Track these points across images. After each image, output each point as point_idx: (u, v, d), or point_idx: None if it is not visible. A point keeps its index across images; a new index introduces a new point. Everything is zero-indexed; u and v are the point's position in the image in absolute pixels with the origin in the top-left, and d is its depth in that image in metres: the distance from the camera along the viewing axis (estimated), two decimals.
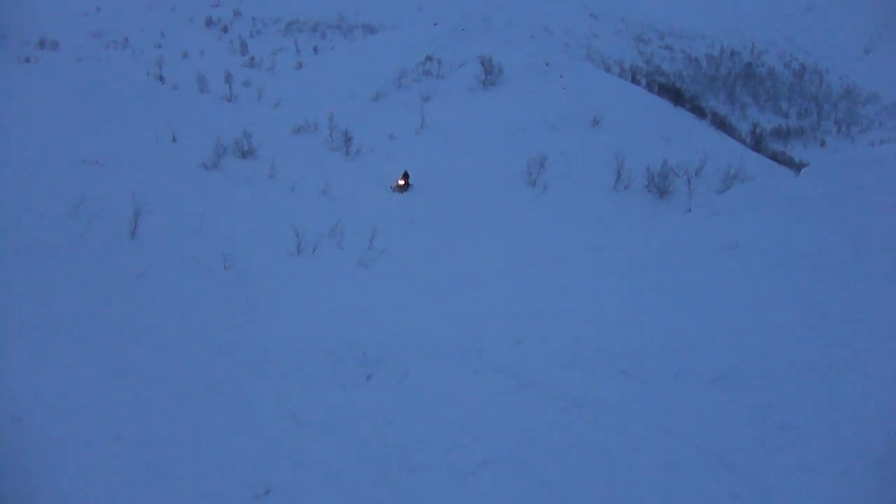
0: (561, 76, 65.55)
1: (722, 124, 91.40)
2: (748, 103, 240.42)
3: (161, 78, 74.21)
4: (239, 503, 11.08)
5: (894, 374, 11.98)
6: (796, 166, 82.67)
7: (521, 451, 11.74)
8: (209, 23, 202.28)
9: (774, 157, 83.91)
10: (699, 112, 78.21)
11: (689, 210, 33.80)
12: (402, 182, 36.92)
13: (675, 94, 79.02)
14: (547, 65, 69.04)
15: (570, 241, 31.85)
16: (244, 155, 42.38)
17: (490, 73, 64.63)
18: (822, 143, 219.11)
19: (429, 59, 75.32)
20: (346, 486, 11.40)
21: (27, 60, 70.79)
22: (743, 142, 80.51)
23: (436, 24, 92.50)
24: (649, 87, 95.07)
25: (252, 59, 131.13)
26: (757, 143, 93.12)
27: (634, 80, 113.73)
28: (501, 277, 26.19)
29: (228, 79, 73.57)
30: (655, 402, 12.69)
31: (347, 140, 49.40)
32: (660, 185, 41.53)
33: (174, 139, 41.81)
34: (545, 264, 27.36)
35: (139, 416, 13.36)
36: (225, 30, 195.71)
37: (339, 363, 16.53)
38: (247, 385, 15.22)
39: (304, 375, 15.91)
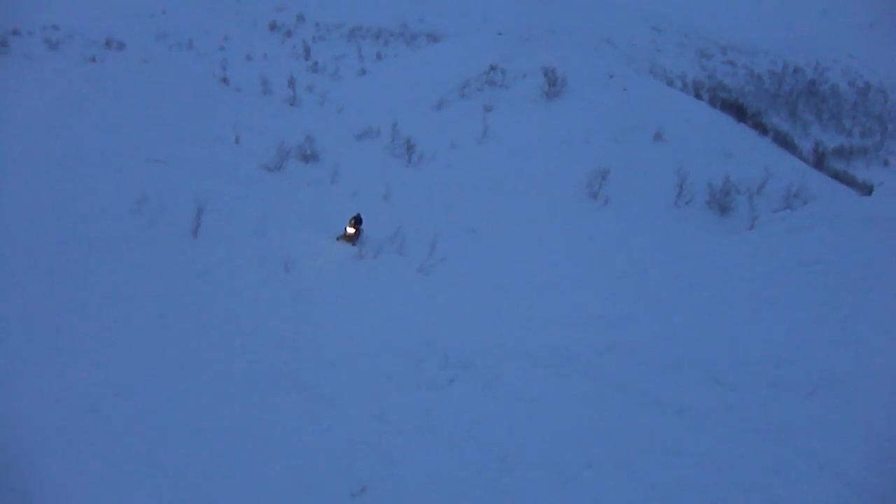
0: (624, 89, 65.13)
1: (784, 142, 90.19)
2: (811, 121, 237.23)
3: (225, 80, 74.69)
4: (336, 500, 11.00)
5: None
6: (859, 186, 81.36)
7: (624, 455, 11.55)
8: (273, 27, 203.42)
9: (836, 176, 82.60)
10: (761, 129, 77.26)
11: (752, 227, 33.35)
12: (351, 230, 30.13)
13: (737, 110, 78.13)
14: (611, 77, 68.64)
15: (640, 252, 31.48)
16: (307, 159, 42.48)
17: (553, 84, 64.20)
18: (885, 163, 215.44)
19: (492, 68, 75.01)
20: (443, 486, 11.30)
21: (94, 60, 71.50)
22: (805, 160, 79.34)
23: (500, 34, 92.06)
24: (712, 102, 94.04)
25: (315, 63, 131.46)
26: (819, 162, 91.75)
27: (697, 95, 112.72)
28: (580, 285, 25.96)
29: (292, 83, 73.87)
30: (755, 411, 12.38)
31: (409, 147, 49.37)
32: (721, 202, 41.01)
33: (237, 140, 41.99)
34: (622, 273, 27.09)
35: (218, 410, 13.38)
36: (288, 34, 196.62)
37: (420, 365, 16.48)
38: (326, 383, 15.21)
39: (385, 376, 15.87)
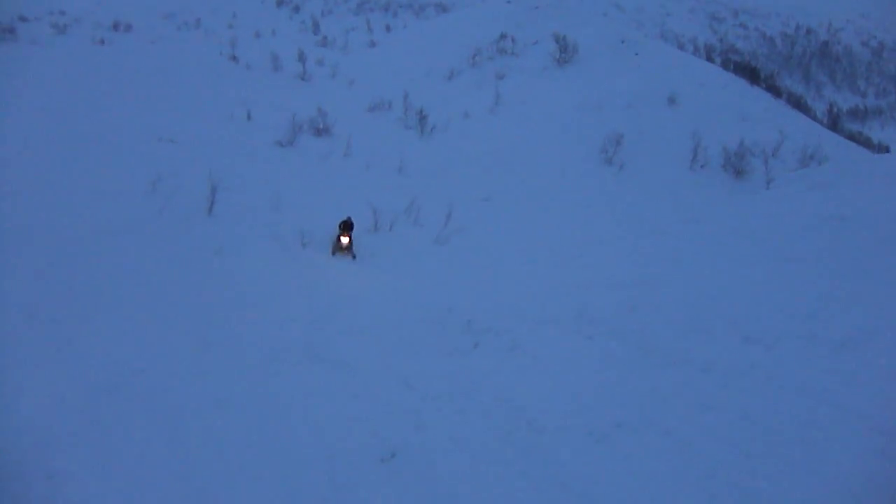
0: (636, 54, 64.73)
1: (798, 104, 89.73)
2: (824, 82, 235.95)
3: (234, 58, 74.33)
4: (366, 466, 10.99)
5: None
6: (874, 147, 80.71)
7: (655, 414, 11.44)
8: (280, 3, 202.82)
9: (852, 137, 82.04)
10: (775, 91, 76.76)
11: (769, 188, 33.09)
12: (345, 239, 26.41)
13: (750, 73, 77.58)
14: (622, 42, 68.22)
15: (657, 215, 31.30)
16: (319, 133, 42.36)
17: (565, 51, 63.89)
18: None
19: (503, 37, 74.68)
20: (473, 448, 11.26)
21: (102, 42, 71.47)
22: (819, 122, 78.88)
23: (509, 2, 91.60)
24: (724, 65, 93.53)
25: (324, 38, 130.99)
26: (833, 123, 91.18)
27: (709, 59, 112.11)
28: (599, 250, 25.77)
29: (301, 58, 73.56)
30: (785, 366, 12.20)
31: (422, 118, 49.15)
32: (736, 165, 40.75)
33: (249, 117, 41.92)
34: (642, 235, 26.86)
35: (239, 383, 13.38)
36: (296, 10, 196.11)
37: (443, 331, 16.39)
38: (348, 353, 15.18)
39: (409, 344, 15.81)
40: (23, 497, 9.78)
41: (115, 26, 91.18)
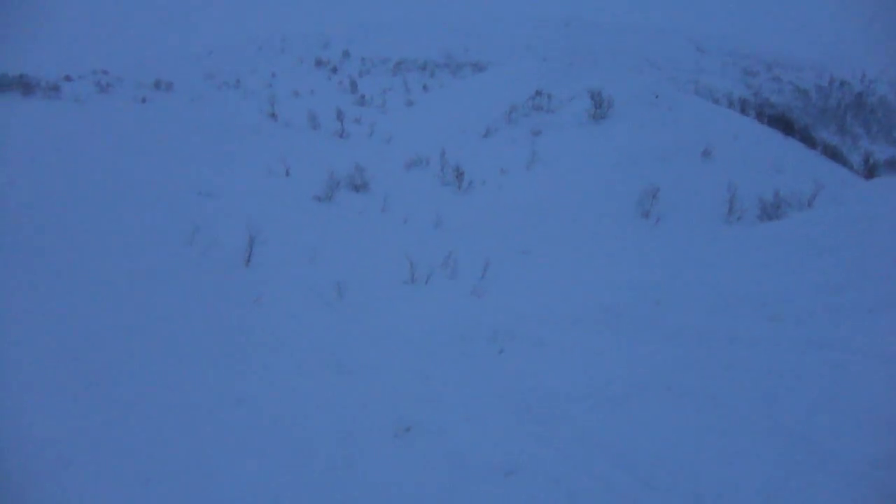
0: (670, 108, 64.94)
1: (833, 154, 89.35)
2: (860, 134, 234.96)
3: (273, 115, 75.32)
4: (379, 440, 11.09)
5: None
6: None
7: (677, 378, 11.36)
8: (319, 63, 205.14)
9: None
10: (810, 142, 76.64)
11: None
12: None
13: (785, 125, 77.57)
14: (656, 97, 68.50)
15: (693, 261, 31.29)
16: (357, 188, 42.74)
17: (600, 107, 64.24)
18: None
19: (538, 94, 75.23)
20: (487, 423, 11.26)
21: (143, 101, 72.62)
22: (856, 172, 78.53)
23: (544, 60, 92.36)
24: (759, 118, 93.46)
25: (362, 97, 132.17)
26: (870, 174, 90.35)
27: (743, 112, 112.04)
28: (635, 312, 25.73)
29: (340, 116, 74.38)
30: (813, 333, 12.09)
31: (459, 174, 49.47)
32: (773, 216, 40.60)
33: (288, 173, 42.35)
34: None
35: (266, 390, 13.54)
36: (335, 70, 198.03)
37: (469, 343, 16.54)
38: (379, 364, 15.34)
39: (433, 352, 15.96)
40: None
41: (157, 85, 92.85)
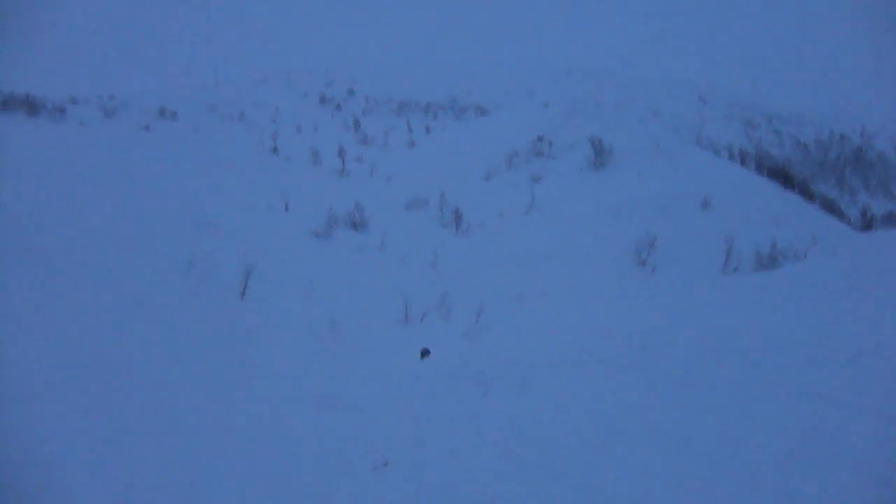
0: (671, 158, 65.20)
1: (831, 208, 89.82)
2: (858, 188, 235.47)
3: (275, 150, 75.74)
4: (357, 476, 11.22)
5: None
6: None
7: (656, 421, 11.41)
8: (323, 100, 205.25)
9: None
10: (808, 195, 77.11)
11: None
12: None
13: (784, 178, 78.11)
14: (657, 147, 68.77)
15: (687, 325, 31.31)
16: (355, 226, 42.90)
17: (600, 155, 64.48)
18: None
19: (540, 139, 75.53)
20: (466, 461, 11.33)
21: (147, 128, 73.02)
22: (853, 226, 78.88)
23: (546, 106, 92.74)
24: (758, 170, 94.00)
25: (365, 136, 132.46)
26: (867, 227, 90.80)
27: (743, 164, 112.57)
28: (624, 362, 25.75)
29: (341, 154, 74.74)
30: (793, 383, 12.16)
31: (457, 217, 49.62)
32: (768, 267, 40.72)
33: (287, 208, 42.57)
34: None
35: (254, 421, 13.60)
36: (338, 107, 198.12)
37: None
38: (366, 400, 15.40)
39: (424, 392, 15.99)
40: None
41: (162, 113, 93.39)
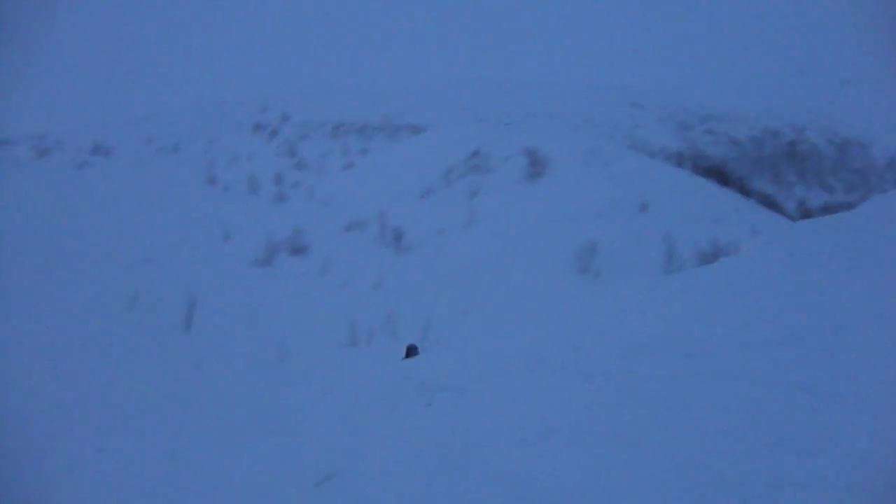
0: (606, 165, 65.87)
1: (769, 203, 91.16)
2: (794, 181, 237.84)
3: (212, 180, 75.46)
4: (299, 492, 11.35)
5: None
6: None
7: (593, 416, 11.62)
8: (258, 127, 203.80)
9: None
10: (745, 192, 78.20)
11: None
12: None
13: (720, 176, 79.23)
14: (592, 154, 69.45)
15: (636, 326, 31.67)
16: (296, 252, 42.87)
17: (536, 165, 64.91)
18: None
19: (475, 154, 75.86)
20: (407, 470, 11.50)
21: (82, 166, 72.37)
22: (791, 218, 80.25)
23: (480, 121, 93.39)
24: (695, 170, 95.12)
25: (301, 161, 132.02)
26: (805, 218, 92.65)
27: (679, 166, 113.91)
28: (571, 367, 25.99)
29: (278, 180, 74.80)
30: (723, 367, 12.41)
31: (397, 236, 49.74)
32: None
33: (227, 237, 42.46)
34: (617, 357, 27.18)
35: (198, 450, 13.64)
36: (273, 134, 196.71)
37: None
38: (312, 421, 15.53)
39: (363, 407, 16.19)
40: None
41: (95, 149, 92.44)
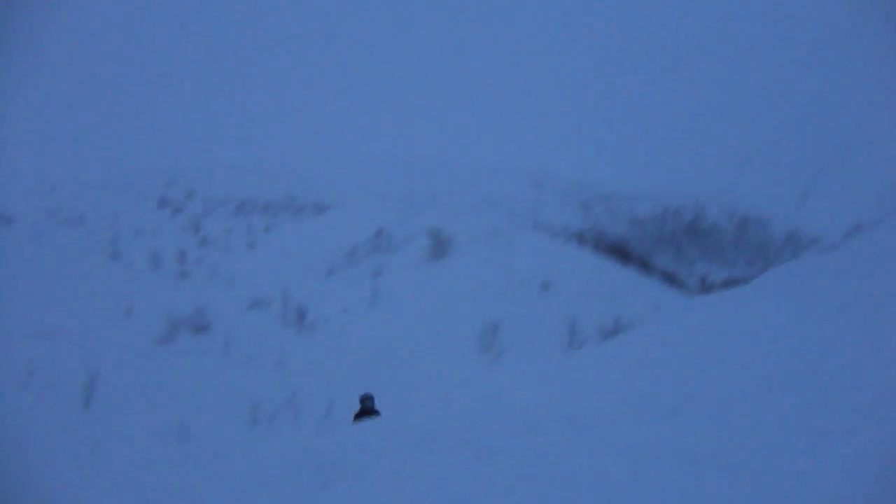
0: (508, 244, 66.74)
1: (671, 279, 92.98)
2: (696, 257, 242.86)
3: (115, 255, 74.67)
4: None
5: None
6: None
7: (479, 494, 11.83)
8: (163, 202, 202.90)
9: None
10: (647, 269, 79.72)
11: None
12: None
13: (622, 254, 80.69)
14: (495, 234, 70.35)
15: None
16: (198, 330, 42.59)
17: (439, 245, 65.58)
18: None
19: (379, 233, 76.42)
20: None
21: None
22: (693, 293, 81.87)
23: (384, 200, 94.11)
24: (597, 249, 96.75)
25: (205, 237, 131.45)
26: (706, 293, 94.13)
27: (582, 244, 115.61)
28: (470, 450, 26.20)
29: (182, 256, 74.34)
30: (613, 439, 12.65)
31: (301, 315, 49.80)
32: None
33: (128, 314, 42.00)
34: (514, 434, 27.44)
35: None
36: (178, 210, 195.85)
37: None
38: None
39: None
40: None
41: None
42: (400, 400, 33.75)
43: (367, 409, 23.12)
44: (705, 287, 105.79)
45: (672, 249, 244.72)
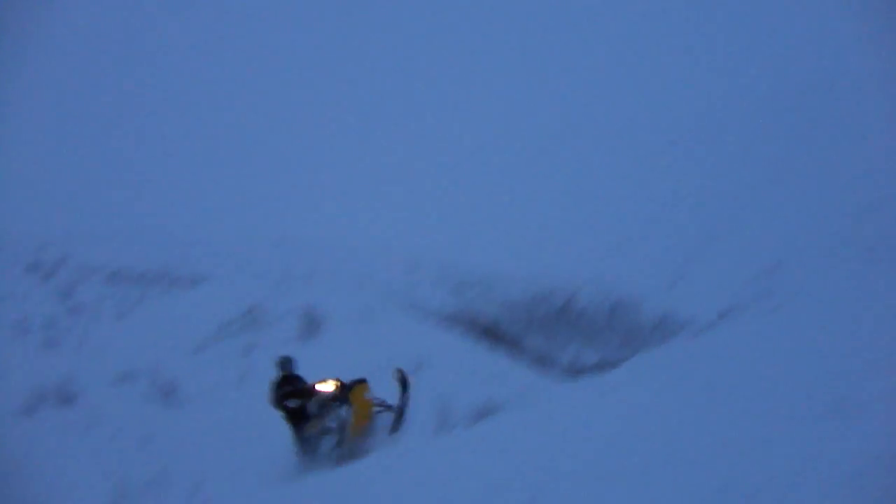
0: (381, 325, 67.27)
1: (543, 360, 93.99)
2: (567, 340, 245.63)
3: None
4: None
5: None
6: None
7: None
8: (32, 267, 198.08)
9: None
10: (519, 351, 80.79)
11: None
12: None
13: (494, 337, 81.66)
14: (368, 314, 70.78)
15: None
16: (63, 402, 42.12)
17: (311, 324, 65.61)
18: None
19: (251, 310, 76.12)
20: None
21: None
22: (564, 375, 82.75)
23: (258, 277, 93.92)
24: (469, 331, 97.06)
25: (76, 305, 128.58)
26: (577, 376, 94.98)
27: (455, 326, 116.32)
28: None
29: (50, 325, 73.01)
30: None
31: (171, 390, 49.54)
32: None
33: None
34: None
35: None
36: (47, 276, 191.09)
37: None
38: None
39: None
40: None
41: None
42: (266, 478, 34.15)
43: (288, 375, 23.13)
44: (577, 369, 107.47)
45: (544, 332, 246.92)
